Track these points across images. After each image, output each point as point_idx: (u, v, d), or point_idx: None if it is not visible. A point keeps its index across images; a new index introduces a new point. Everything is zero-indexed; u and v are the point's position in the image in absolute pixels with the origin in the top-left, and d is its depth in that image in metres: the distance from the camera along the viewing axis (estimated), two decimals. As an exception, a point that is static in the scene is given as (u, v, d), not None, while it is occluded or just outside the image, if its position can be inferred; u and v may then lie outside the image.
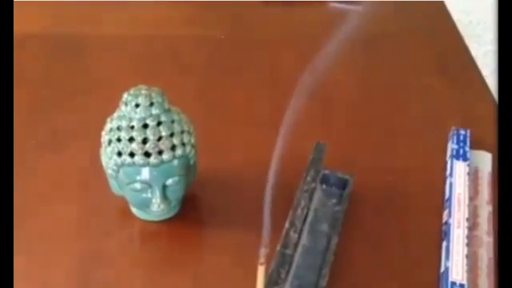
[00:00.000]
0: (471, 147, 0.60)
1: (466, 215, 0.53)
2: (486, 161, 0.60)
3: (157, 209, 0.50)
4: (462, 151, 0.59)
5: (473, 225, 0.54)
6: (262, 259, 0.34)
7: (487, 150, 0.61)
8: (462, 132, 0.61)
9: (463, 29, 0.83)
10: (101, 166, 0.51)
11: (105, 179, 0.52)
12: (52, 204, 0.55)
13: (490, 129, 0.64)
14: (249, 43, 0.77)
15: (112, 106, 0.50)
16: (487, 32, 1.82)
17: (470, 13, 1.85)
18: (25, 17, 0.78)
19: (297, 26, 0.80)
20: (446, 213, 0.55)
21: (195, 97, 0.67)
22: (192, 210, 0.55)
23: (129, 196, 0.51)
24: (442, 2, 0.84)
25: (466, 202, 0.55)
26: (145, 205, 0.51)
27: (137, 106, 0.47)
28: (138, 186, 0.49)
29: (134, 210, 0.54)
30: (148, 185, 0.49)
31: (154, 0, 0.83)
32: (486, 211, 0.56)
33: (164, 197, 0.50)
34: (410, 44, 0.78)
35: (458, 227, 0.52)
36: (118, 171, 0.49)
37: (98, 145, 0.51)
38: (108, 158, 0.49)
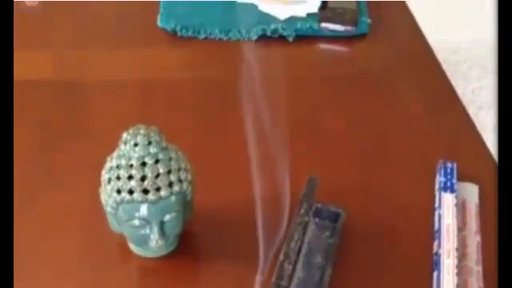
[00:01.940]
0: (458, 180, 0.62)
1: (456, 245, 0.55)
2: (472, 193, 0.62)
3: (155, 245, 0.51)
4: (449, 183, 0.61)
5: (462, 255, 0.56)
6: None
7: (473, 182, 0.63)
8: (449, 165, 0.64)
9: (449, 67, 0.87)
10: (99, 204, 0.53)
11: (103, 217, 0.54)
12: (51, 242, 0.57)
13: (476, 162, 0.67)
14: (243, 83, 0.79)
15: (110, 146, 0.52)
16: (473, 70, 1.88)
17: (456, 52, 1.91)
18: (25, 64, 0.80)
19: (292, 64, 0.83)
20: (436, 243, 0.56)
21: (191, 135, 0.69)
22: (189, 245, 0.56)
23: (127, 233, 0.52)
24: (427, 41, 0.88)
25: (455, 232, 0.56)
26: (143, 241, 0.52)
27: (135, 144, 0.49)
28: (136, 222, 0.50)
29: (132, 246, 0.55)
30: (146, 221, 0.50)
31: (151, 42, 0.87)
32: (474, 241, 0.57)
33: (162, 233, 0.51)
34: (397, 81, 0.81)
35: (448, 257, 0.54)
36: (117, 208, 0.50)
37: (97, 183, 0.53)
38: (107, 196, 0.51)
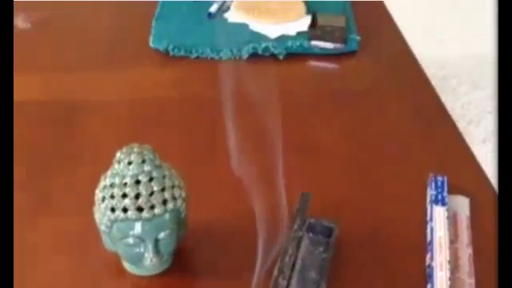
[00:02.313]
0: (449, 192, 0.63)
1: (448, 258, 0.56)
2: (463, 205, 0.63)
3: (149, 263, 0.52)
4: (440, 197, 0.62)
5: (454, 267, 0.56)
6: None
7: (464, 194, 0.64)
8: (440, 178, 0.64)
9: (438, 82, 0.88)
10: (92, 224, 0.53)
11: (97, 237, 0.54)
12: (44, 263, 0.57)
13: (466, 175, 0.68)
14: (234, 100, 0.80)
15: (101, 167, 0.52)
16: (462, 85, 1.90)
17: (444, 67, 1.94)
18: (16, 86, 0.80)
19: (284, 81, 0.84)
20: (428, 256, 0.57)
21: (185, 154, 0.70)
22: (183, 262, 0.56)
23: (122, 251, 0.52)
24: (415, 58, 0.90)
25: (447, 245, 0.57)
26: (137, 259, 0.52)
27: (129, 163, 0.50)
28: (130, 240, 0.50)
29: (126, 265, 0.55)
30: (141, 239, 0.51)
31: (143, 62, 0.88)
32: (466, 254, 0.58)
33: (156, 251, 0.51)
34: (386, 96, 0.82)
35: (441, 270, 0.54)
36: (111, 227, 0.51)
37: (89, 204, 0.53)
38: (101, 215, 0.51)
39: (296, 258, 0.55)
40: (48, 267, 0.56)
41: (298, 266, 0.55)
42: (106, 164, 0.52)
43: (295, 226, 0.56)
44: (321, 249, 0.57)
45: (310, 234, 0.58)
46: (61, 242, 0.59)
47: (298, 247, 0.56)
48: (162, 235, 0.51)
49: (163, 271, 0.55)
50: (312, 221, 0.58)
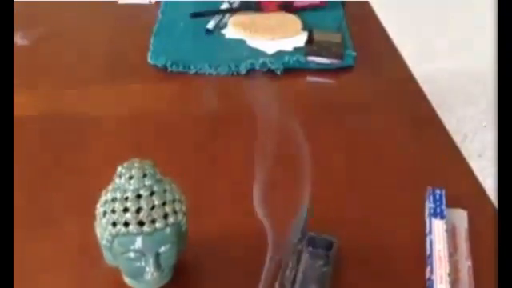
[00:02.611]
0: (447, 205, 0.63)
1: (448, 271, 0.56)
2: (461, 218, 0.63)
3: (150, 277, 0.52)
4: (438, 210, 0.62)
5: (454, 280, 0.56)
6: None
7: (462, 207, 0.64)
8: (438, 191, 0.65)
9: (433, 97, 0.89)
10: (93, 239, 0.53)
11: (98, 252, 0.54)
12: (44, 278, 0.57)
13: (463, 188, 0.68)
14: (235, 115, 0.81)
15: (101, 182, 0.52)
16: (456, 99, 1.92)
17: (439, 82, 1.95)
18: (16, 102, 0.81)
19: (281, 96, 0.85)
20: (428, 269, 0.57)
21: (183, 168, 0.70)
22: (184, 276, 0.56)
23: (123, 266, 0.52)
24: (411, 72, 0.91)
25: (447, 258, 0.57)
26: (138, 274, 0.52)
27: (130, 177, 0.50)
28: (131, 255, 0.51)
29: (127, 280, 0.55)
30: (141, 253, 0.51)
31: (141, 78, 0.88)
32: (465, 266, 0.58)
33: (157, 265, 0.51)
34: (383, 111, 0.83)
35: (441, 282, 0.54)
36: (112, 241, 0.51)
37: (89, 220, 0.53)
38: (103, 230, 0.51)
39: (297, 271, 0.55)
40: (49, 282, 0.56)
41: (298, 280, 0.55)
42: (106, 179, 0.52)
43: (295, 240, 0.56)
44: (321, 262, 0.57)
45: (310, 248, 0.58)
46: (61, 256, 0.59)
47: (298, 261, 0.56)
48: (162, 249, 0.51)
49: (163, 286, 0.55)
50: (312, 234, 0.58)
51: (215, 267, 0.57)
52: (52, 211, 0.64)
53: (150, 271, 0.51)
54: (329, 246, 0.58)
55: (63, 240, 0.61)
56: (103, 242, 0.52)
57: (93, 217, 0.53)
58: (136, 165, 0.50)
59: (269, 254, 0.50)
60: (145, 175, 0.50)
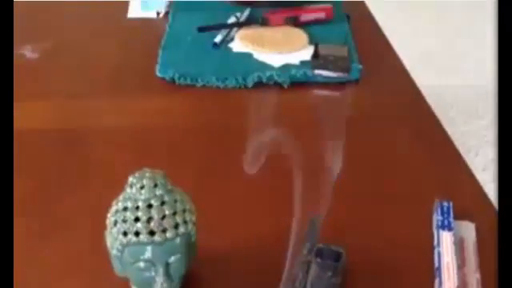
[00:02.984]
0: (454, 218, 0.64)
1: (456, 283, 0.56)
2: (469, 230, 0.63)
3: (160, 287, 0.52)
4: (446, 222, 0.63)
5: (463, 292, 0.56)
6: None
7: (469, 220, 0.64)
8: (446, 204, 0.65)
9: (437, 112, 0.90)
10: (101, 251, 0.53)
11: (106, 262, 0.54)
12: (56, 285, 0.57)
13: (470, 201, 0.69)
14: (244, 127, 0.81)
15: (110, 194, 0.53)
16: (460, 114, 1.93)
17: (442, 97, 1.96)
18: (25, 114, 0.82)
19: (288, 109, 0.85)
20: (436, 282, 0.57)
21: (192, 180, 0.70)
22: (192, 285, 0.56)
23: (132, 276, 0.53)
24: (416, 85, 0.91)
25: (455, 270, 0.57)
26: (148, 284, 0.52)
27: (142, 187, 0.50)
28: (141, 264, 0.51)
29: (136, 290, 0.55)
30: (152, 263, 0.51)
31: (149, 90, 0.89)
32: (474, 279, 0.58)
33: (167, 275, 0.52)
34: (389, 123, 0.83)
35: (450, 294, 0.54)
36: (123, 251, 0.51)
37: (97, 231, 0.53)
38: (113, 239, 0.51)
39: (305, 282, 0.55)
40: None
41: (307, 291, 0.55)
42: (114, 190, 0.52)
43: (304, 251, 0.56)
44: (329, 273, 0.57)
45: (318, 259, 0.58)
46: (70, 267, 0.59)
47: (307, 272, 0.56)
48: (172, 259, 0.51)
49: (173, 298, 0.55)
50: (320, 246, 0.58)
51: (224, 280, 0.57)
52: (60, 221, 0.65)
53: (159, 281, 0.51)
54: (337, 257, 0.58)
55: (72, 251, 0.61)
56: (113, 252, 0.52)
57: (100, 227, 0.53)
58: (147, 175, 0.51)
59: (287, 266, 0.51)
60: (156, 185, 0.50)
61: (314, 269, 0.57)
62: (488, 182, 0.78)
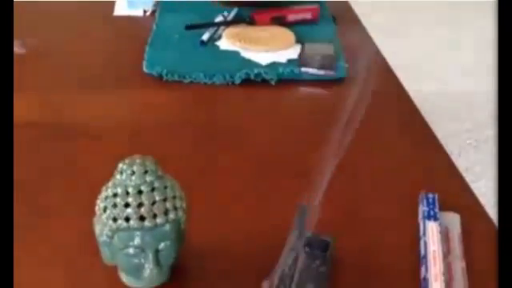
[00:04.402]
0: (439, 210, 0.65)
1: (442, 270, 0.57)
2: (454, 221, 0.65)
3: (149, 273, 0.52)
4: (432, 212, 0.64)
5: (449, 280, 0.57)
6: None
7: (454, 211, 0.65)
8: (431, 196, 0.66)
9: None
10: (88, 240, 0.53)
11: (93, 252, 0.54)
12: (41, 275, 0.56)
13: (454, 192, 0.70)
14: (231, 123, 0.82)
15: (96, 187, 0.53)
16: (441, 119, 1.96)
17: (423, 102, 1.99)
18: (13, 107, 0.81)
19: (276, 105, 0.86)
20: (423, 269, 0.58)
21: (181, 173, 0.70)
22: (182, 276, 0.56)
23: (121, 262, 0.52)
24: (401, 84, 0.93)
25: (441, 258, 0.58)
26: (137, 270, 0.52)
27: (132, 173, 0.50)
28: (131, 251, 0.51)
29: (124, 278, 0.55)
30: (141, 249, 0.51)
31: (137, 85, 0.89)
32: (459, 268, 0.59)
33: (156, 261, 0.52)
34: (375, 119, 0.84)
35: (436, 280, 0.55)
36: (112, 237, 0.51)
37: (84, 222, 0.53)
38: (103, 225, 0.51)
39: (294, 270, 0.55)
40: (44, 280, 0.56)
41: (295, 280, 0.55)
42: (101, 184, 0.52)
43: (292, 240, 0.56)
44: (318, 262, 0.58)
45: (307, 249, 0.59)
46: (54, 258, 0.59)
47: (295, 261, 0.56)
48: (162, 246, 0.51)
49: (162, 285, 0.55)
50: (309, 235, 0.59)
51: (213, 268, 0.57)
52: (44, 214, 0.64)
53: (149, 267, 0.51)
54: (325, 247, 0.58)
55: (60, 238, 0.60)
56: (102, 239, 0.52)
57: (88, 216, 0.53)
58: (137, 161, 0.51)
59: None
60: (146, 171, 0.50)
61: (302, 258, 0.58)
62: (471, 182, 0.80)
